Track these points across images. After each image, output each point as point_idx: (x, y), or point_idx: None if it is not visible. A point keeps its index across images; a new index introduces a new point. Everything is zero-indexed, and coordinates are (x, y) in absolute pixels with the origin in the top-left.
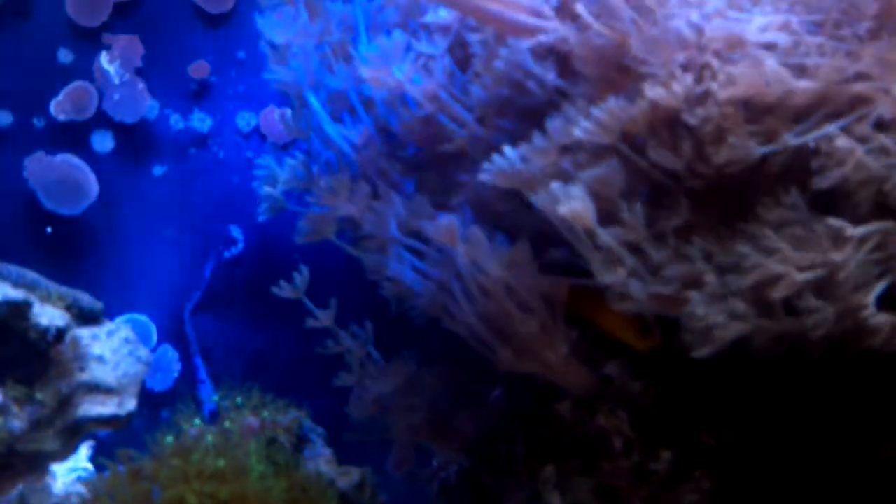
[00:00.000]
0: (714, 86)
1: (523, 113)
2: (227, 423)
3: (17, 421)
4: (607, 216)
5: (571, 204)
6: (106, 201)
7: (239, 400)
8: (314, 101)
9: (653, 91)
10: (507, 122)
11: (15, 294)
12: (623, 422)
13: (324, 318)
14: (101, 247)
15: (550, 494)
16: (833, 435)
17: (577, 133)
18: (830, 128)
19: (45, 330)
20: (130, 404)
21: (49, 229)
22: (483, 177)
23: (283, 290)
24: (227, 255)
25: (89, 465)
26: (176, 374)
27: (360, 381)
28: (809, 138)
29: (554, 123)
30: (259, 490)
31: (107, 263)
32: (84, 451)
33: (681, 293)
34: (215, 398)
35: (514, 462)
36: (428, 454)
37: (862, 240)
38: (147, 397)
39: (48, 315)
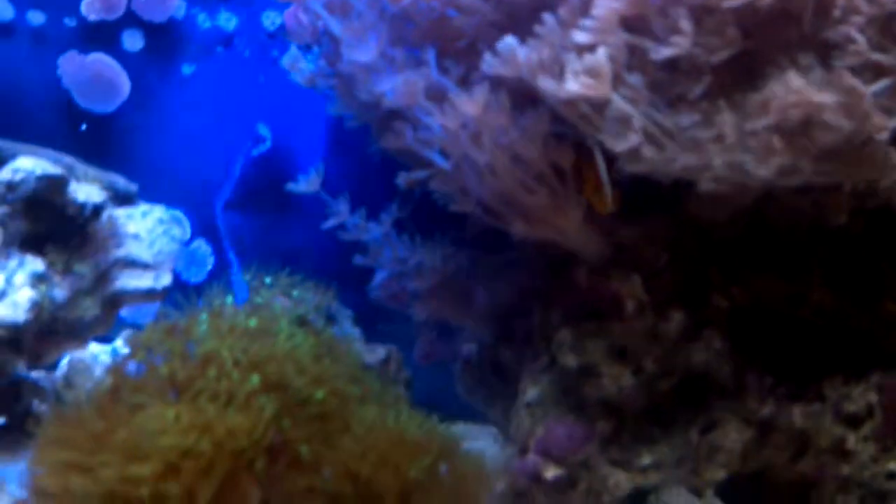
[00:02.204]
0: None
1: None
2: (258, 300)
3: (59, 290)
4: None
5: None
6: (137, 99)
7: (268, 280)
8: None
9: None
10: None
11: (53, 169)
12: (636, 285)
13: (341, 209)
14: (134, 144)
15: (565, 356)
16: (839, 293)
17: (579, 39)
18: None
19: (82, 206)
20: (166, 279)
21: (83, 126)
22: (486, 68)
23: (298, 185)
24: (255, 151)
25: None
26: (210, 267)
27: (382, 265)
28: None
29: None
30: (287, 347)
31: (139, 160)
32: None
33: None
34: (246, 277)
35: (531, 334)
36: (450, 335)
37: None
38: (182, 289)
39: (85, 191)
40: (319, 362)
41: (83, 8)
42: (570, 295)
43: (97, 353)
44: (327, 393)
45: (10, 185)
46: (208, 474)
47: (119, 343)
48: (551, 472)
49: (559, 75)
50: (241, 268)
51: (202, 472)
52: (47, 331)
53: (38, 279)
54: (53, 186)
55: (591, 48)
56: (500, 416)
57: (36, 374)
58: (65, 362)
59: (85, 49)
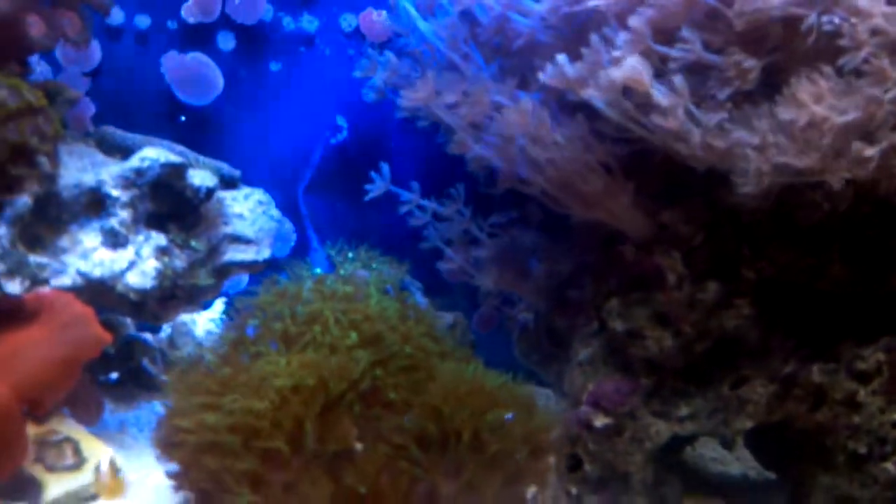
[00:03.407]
0: None
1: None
2: (342, 272)
3: (179, 261)
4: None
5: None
6: (230, 93)
7: (350, 254)
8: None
9: None
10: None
11: (175, 158)
12: (676, 260)
13: (412, 198)
14: (227, 133)
15: (614, 322)
16: (853, 268)
17: (616, 53)
18: None
19: (198, 189)
20: (266, 252)
21: (182, 118)
22: (543, 78)
23: (375, 188)
24: (332, 141)
25: (224, 317)
26: (293, 243)
27: (450, 244)
28: None
29: (594, 38)
30: (378, 309)
31: (231, 147)
32: (219, 304)
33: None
34: (330, 251)
35: (583, 303)
36: (508, 305)
37: None
38: (268, 262)
39: (199, 177)
40: (405, 323)
41: (183, 12)
42: (618, 268)
43: (194, 318)
44: (413, 348)
45: (139, 172)
46: (312, 404)
47: (217, 307)
48: (600, 421)
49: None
50: (320, 244)
51: (307, 402)
52: (168, 296)
53: (161, 252)
54: (175, 172)
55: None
56: (554, 377)
57: (145, 335)
58: (167, 325)
59: (184, 49)
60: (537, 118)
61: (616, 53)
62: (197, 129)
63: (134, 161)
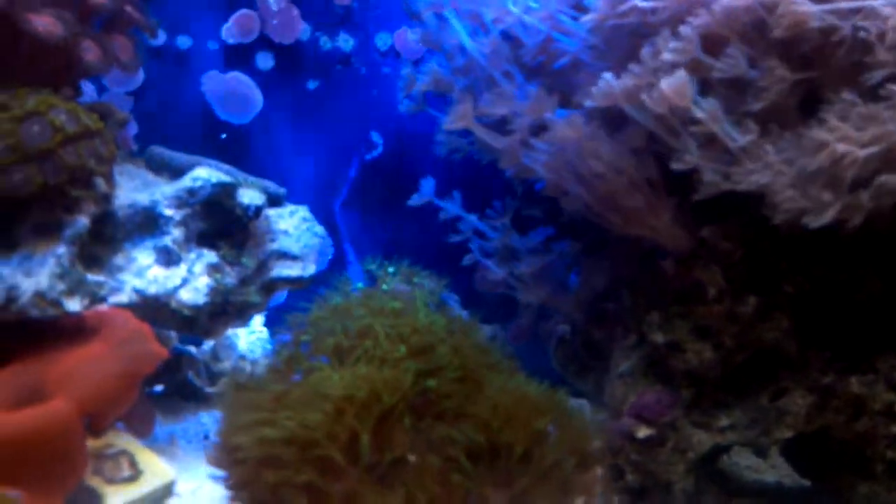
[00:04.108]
0: None
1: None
2: (384, 287)
3: (229, 278)
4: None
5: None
6: (268, 111)
7: (391, 269)
8: (453, 18)
9: None
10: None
11: (226, 178)
12: (716, 274)
13: (453, 209)
14: (266, 149)
15: (655, 335)
16: (888, 281)
17: (666, 57)
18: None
19: (247, 208)
20: (311, 268)
21: (223, 136)
22: (589, 103)
23: (417, 199)
24: (368, 157)
25: (264, 329)
26: (330, 257)
27: (492, 255)
28: None
29: (645, 51)
30: (426, 323)
31: (270, 163)
32: (258, 319)
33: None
34: (372, 266)
35: (621, 315)
36: (544, 318)
37: None
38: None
39: (248, 195)
40: (453, 336)
41: (223, 33)
42: (659, 282)
43: (236, 332)
44: (462, 360)
45: (192, 191)
46: (367, 415)
47: (257, 320)
48: (643, 432)
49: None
50: (357, 259)
51: (362, 414)
52: (219, 311)
53: (213, 269)
54: (225, 192)
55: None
56: (591, 387)
57: (190, 348)
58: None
59: (224, 68)
60: (590, 133)
61: (666, 57)
62: (237, 147)
63: (186, 181)
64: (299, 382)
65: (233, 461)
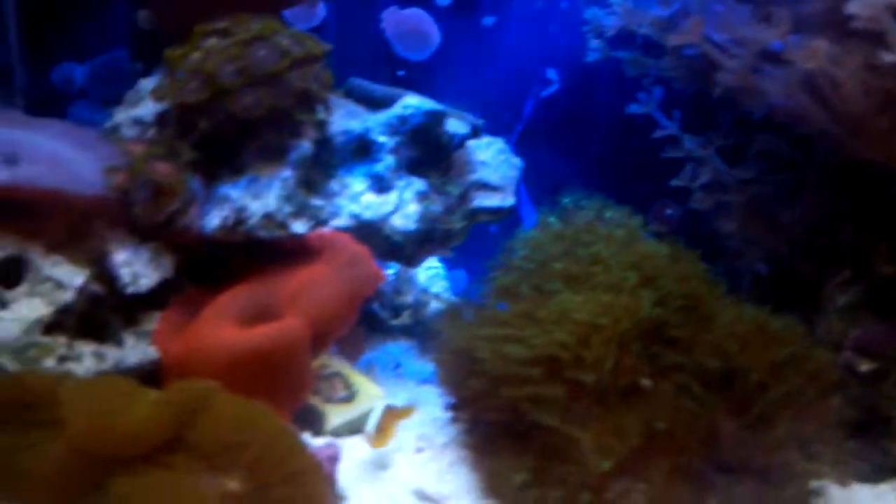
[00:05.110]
0: None
1: None
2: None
3: (436, 206)
4: None
5: None
6: (445, 47)
7: (584, 201)
8: None
9: None
10: None
11: (437, 106)
12: None
13: (670, 127)
14: (442, 86)
15: (882, 266)
16: None
17: None
18: None
19: (452, 136)
20: (510, 199)
21: (401, 73)
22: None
23: (636, 107)
24: (543, 94)
25: (440, 265)
26: None
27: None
28: None
29: None
30: (651, 252)
31: (446, 101)
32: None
33: None
34: (567, 200)
35: (836, 249)
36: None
37: None
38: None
39: (453, 125)
40: (678, 263)
41: None
42: (889, 212)
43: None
44: (689, 289)
45: (403, 119)
46: (610, 344)
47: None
48: (865, 366)
49: None
50: (530, 197)
51: (606, 343)
52: (425, 239)
53: (421, 196)
54: (435, 120)
55: None
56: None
57: None
58: (390, 272)
59: (403, 4)
60: (834, 54)
61: None
62: (414, 84)
63: (397, 108)
64: (544, 304)
65: (464, 378)
